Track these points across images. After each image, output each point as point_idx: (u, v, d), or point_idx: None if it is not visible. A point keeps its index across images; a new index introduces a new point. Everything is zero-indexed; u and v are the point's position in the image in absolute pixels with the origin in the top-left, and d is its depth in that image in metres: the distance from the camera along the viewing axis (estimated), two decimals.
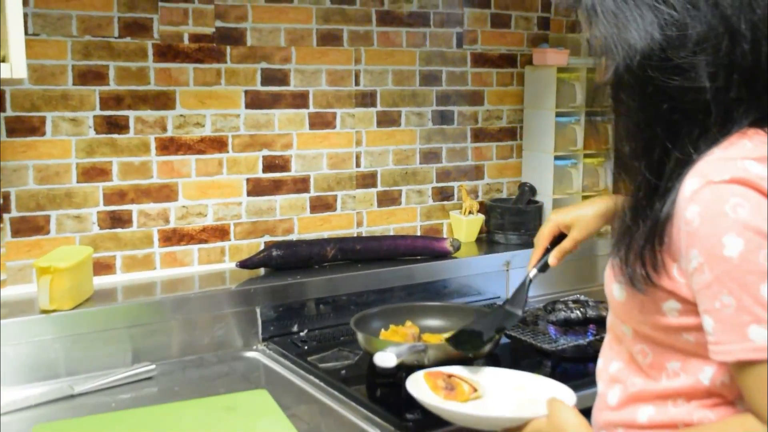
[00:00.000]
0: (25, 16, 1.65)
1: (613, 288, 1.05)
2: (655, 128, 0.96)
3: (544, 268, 1.51)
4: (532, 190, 2.34)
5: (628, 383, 1.07)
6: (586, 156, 2.34)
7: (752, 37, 0.93)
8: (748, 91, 0.94)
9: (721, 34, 0.92)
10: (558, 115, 2.30)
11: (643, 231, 0.96)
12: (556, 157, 2.33)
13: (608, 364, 1.13)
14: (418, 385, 1.34)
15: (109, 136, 1.82)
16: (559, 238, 1.50)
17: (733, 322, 0.88)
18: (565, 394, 1.29)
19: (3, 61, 1.43)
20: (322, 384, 1.58)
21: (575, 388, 1.27)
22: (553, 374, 1.60)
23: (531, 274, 1.51)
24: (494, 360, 1.61)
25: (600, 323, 1.73)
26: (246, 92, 1.98)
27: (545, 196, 2.34)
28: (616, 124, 1.02)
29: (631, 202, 1.00)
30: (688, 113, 0.94)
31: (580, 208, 1.48)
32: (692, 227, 0.90)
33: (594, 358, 1.19)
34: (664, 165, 0.96)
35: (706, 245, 0.89)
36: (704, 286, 0.90)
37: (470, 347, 1.50)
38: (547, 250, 1.51)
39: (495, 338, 1.54)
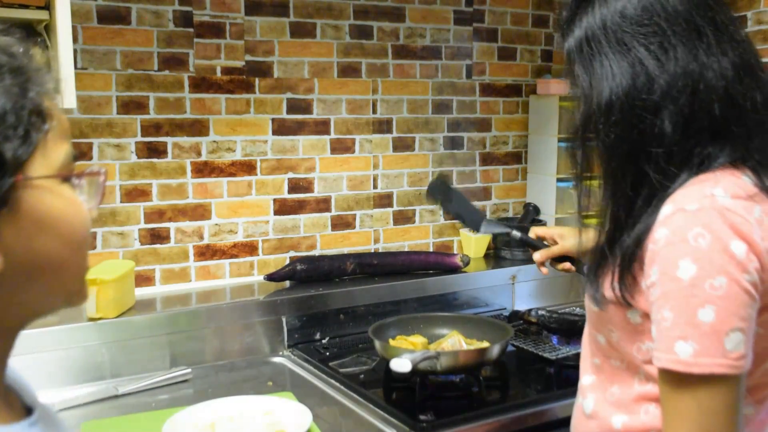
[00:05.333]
0: (75, 51, 1.72)
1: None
2: (620, 163, 0.98)
3: (526, 243, 1.61)
4: (536, 210, 2.33)
5: (602, 392, 1.08)
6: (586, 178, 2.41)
7: (713, 94, 0.95)
8: (711, 139, 0.95)
9: (683, 88, 0.95)
10: (560, 140, 2.33)
11: (617, 258, 0.98)
12: (559, 180, 2.36)
13: (583, 376, 1.14)
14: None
15: (149, 160, 1.88)
16: (560, 259, 1.57)
17: (666, 334, 0.90)
18: (304, 414, 1.38)
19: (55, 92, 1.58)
20: (342, 387, 1.62)
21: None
22: (556, 381, 1.67)
23: (514, 233, 1.64)
24: (500, 368, 1.65)
25: None
26: (273, 120, 2.03)
27: (548, 215, 2.37)
28: (585, 156, 1.04)
29: (605, 232, 1.01)
30: (650, 155, 0.96)
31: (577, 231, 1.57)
32: (657, 246, 0.92)
33: None
34: (633, 198, 0.97)
35: (663, 264, 0.91)
36: (654, 299, 0.93)
37: (432, 198, 1.73)
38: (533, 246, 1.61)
39: (444, 212, 1.73)
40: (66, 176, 0.63)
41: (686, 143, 0.96)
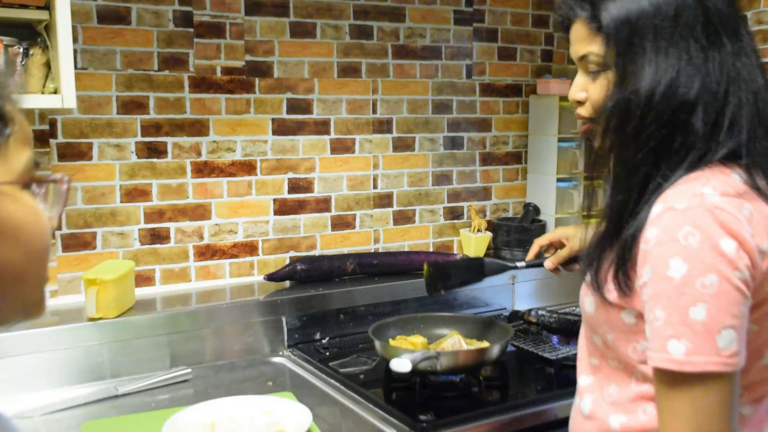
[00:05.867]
0: (75, 51, 1.72)
1: (586, 301, 1.07)
2: (642, 157, 0.97)
3: (533, 266, 1.59)
4: (536, 210, 2.37)
5: (600, 393, 1.08)
6: (586, 178, 2.39)
7: (745, 98, 0.97)
8: (726, 137, 0.97)
9: (720, 89, 0.96)
10: (560, 140, 2.33)
11: (615, 252, 0.98)
12: (559, 180, 2.36)
13: (580, 376, 1.14)
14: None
15: (149, 160, 1.88)
16: (569, 261, 1.55)
17: (659, 334, 0.90)
18: (304, 414, 1.38)
19: (55, 92, 1.52)
20: (342, 387, 1.62)
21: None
22: (556, 381, 1.67)
23: (519, 264, 1.60)
24: (500, 368, 1.65)
25: None
26: (273, 120, 2.03)
27: (548, 215, 2.37)
28: (605, 146, 1.03)
29: (606, 224, 1.02)
30: (672, 149, 0.96)
31: (580, 228, 1.54)
32: (648, 246, 0.93)
33: None
34: (641, 192, 0.97)
35: (654, 264, 0.91)
36: (647, 298, 0.93)
37: (432, 288, 1.65)
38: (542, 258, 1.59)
39: (452, 288, 1.69)
40: (27, 183, 0.60)
41: (707, 144, 0.96)
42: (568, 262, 1.56)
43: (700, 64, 0.96)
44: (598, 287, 1.03)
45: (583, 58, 1.05)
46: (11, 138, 0.59)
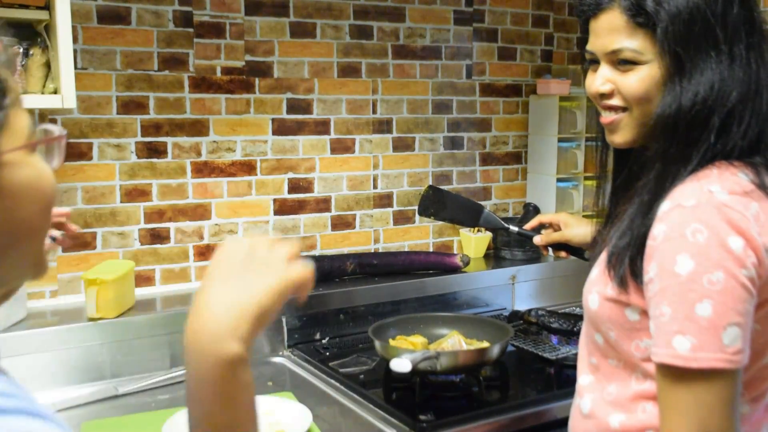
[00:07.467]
0: (75, 52, 1.72)
1: (589, 298, 1.06)
2: (668, 157, 0.98)
3: (524, 235, 1.60)
4: (536, 210, 2.27)
5: (599, 392, 1.08)
6: (586, 178, 2.37)
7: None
8: (741, 135, 0.97)
9: (747, 95, 0.96)
10: (560, 140, 2.34)
11: (632, 245, 0.99)
12: (559, 180, 2.36)
13: (580, 376, 1.14)
14: None
15: (149, 160, 1.88)
16: (558, 246, 1.56)
17: (664, 329, 0.91)
18: (304, 414, 1.38)
19: (55, 92, 1.52)
20: (342, 387, 1.62)
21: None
22: (556, 381, 1.67)
23: (512, 228, 1.62)
24: (500, 368, 1.64)
25: None
26: (273, 120, 2.03)
27: None
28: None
29: (628, 220, 1.01)
30: (694, 148, 0.97)
31: (583, 221, 1.56)
32: (656, 242, 0.93)
33: None
34: (661, 189, 0.97)
35: (661, 260, 0.92)
36: (653, 294, 0.93)
37: (425, 212, 1.68)
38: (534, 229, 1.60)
39: (442, 220, 1.71)
40: (33, 145, 0.63)
41: (723, 141, 0.96)
42: (559, 247, 1.56)
43: (746, 65, 0.96)
44: (623, 284, 1.00)
45: (614, 51, 1.02)
46: (11, 107, 0.61)
